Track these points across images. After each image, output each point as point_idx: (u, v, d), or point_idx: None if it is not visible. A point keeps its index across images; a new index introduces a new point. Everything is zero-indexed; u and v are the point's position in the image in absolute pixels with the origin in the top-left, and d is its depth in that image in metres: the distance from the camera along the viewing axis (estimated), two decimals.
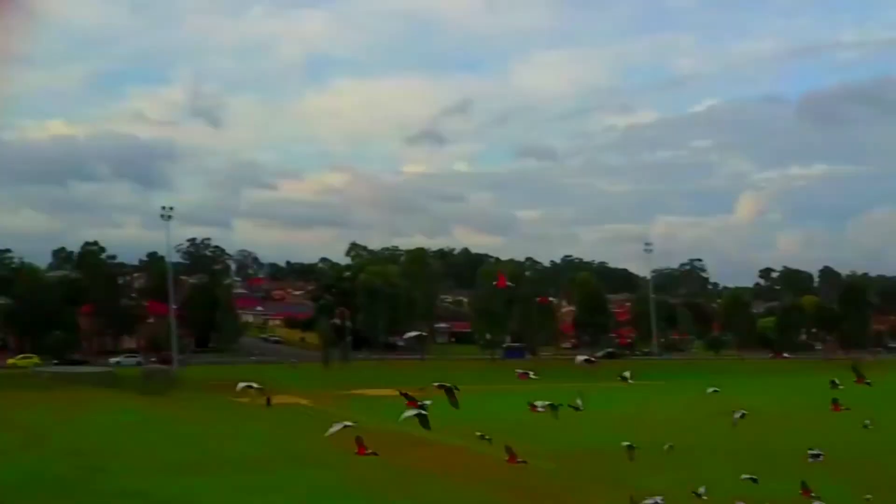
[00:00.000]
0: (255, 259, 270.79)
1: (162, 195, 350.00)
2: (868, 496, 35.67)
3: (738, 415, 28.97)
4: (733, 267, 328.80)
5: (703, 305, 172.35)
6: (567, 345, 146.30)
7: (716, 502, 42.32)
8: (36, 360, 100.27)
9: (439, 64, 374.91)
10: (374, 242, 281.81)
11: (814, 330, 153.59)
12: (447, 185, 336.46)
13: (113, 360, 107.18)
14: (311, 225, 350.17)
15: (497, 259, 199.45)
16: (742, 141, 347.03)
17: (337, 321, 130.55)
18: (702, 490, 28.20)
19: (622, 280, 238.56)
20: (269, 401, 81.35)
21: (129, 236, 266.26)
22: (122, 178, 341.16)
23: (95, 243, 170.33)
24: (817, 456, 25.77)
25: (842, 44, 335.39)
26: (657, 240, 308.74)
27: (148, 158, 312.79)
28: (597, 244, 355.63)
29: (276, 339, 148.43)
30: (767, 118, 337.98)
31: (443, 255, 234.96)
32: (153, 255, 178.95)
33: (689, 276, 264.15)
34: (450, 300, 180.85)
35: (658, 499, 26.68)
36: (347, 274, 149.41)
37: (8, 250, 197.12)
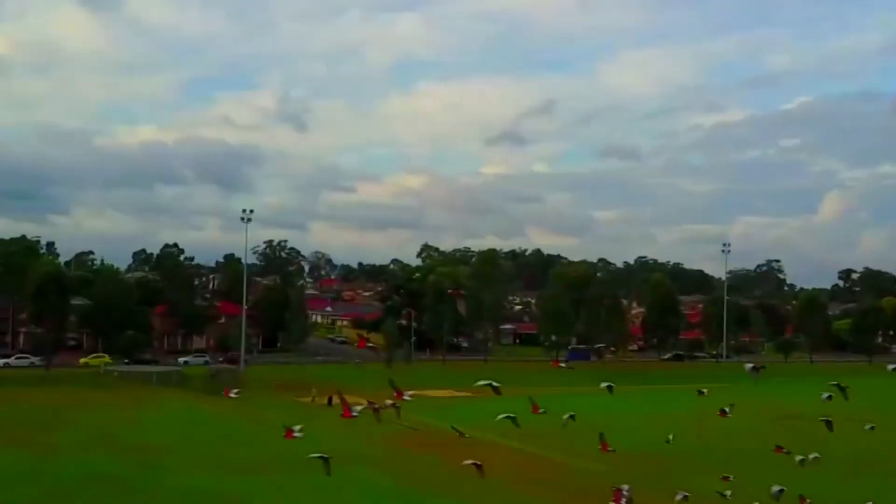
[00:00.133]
0: (329, 260, 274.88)
1: (243, 198, 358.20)
2: None
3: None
4: (812, 268, 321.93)
5: (777, 307, 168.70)
6: (633, 347, 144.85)
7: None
8: (107, 359, 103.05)
9: (525, 64, 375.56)
10: (447, 244, 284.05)
11: (891, 332, 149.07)
12: (525, 186, 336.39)
13: (181, 359, 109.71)
14: (386, 227, 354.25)
15: (569, 260, 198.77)
16: (833, 139, 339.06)
17: (403, 322, 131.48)
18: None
19: (697, 281, 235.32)
20: (330, 401, 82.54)
21: (208, 239, 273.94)
22: (206, 181, 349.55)
23: (175, 245, 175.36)
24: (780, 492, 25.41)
25: None
26: (736, 240, 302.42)
27: (233, 163, 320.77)
28: (673, 245, 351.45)
29: (343, 339, 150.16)
30: (861, 115, 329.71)
31: (514, 256, 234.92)
32: (229, 257, 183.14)
33: (766, 277, 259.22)
34: (518, 301, 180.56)
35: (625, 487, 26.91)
36: (417, 275, 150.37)
37: (90, 252, 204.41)
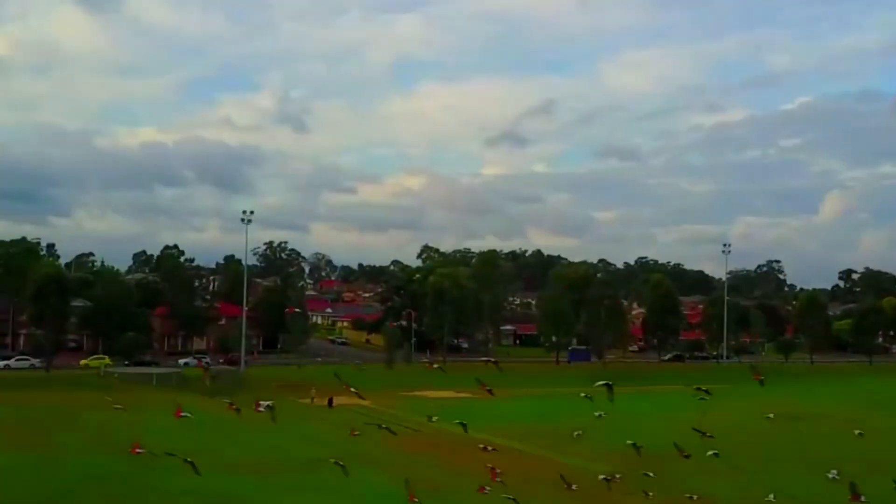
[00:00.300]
0: (329, 261, 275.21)
1: (243, 199, 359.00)
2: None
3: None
4: (812, 268, 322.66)
5: (778, 307, 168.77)
6: (634, 347, 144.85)
7: None
8: (107, 360, 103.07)
9: (525, 65, 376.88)
10: (447, 245, 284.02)
11: (892, 332, 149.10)
12: (525, 186, 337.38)
13: (181, 361, 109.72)
14: (386, 228, 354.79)
15: (569, 261, 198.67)
16: (833, 139, 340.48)
17: (403, 323, 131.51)
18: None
19: (697, 282, 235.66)
20: (330, 402, 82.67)
21: (208, 240, 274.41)
22: (206, 182, 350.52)
23: (175, 247, 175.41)
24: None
25: None
26: (736, 241, 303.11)
27: (233, 163, 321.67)
28: (673, 245, 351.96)
29: (343, 340, 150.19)
30: (861, 115, 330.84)
31: (514, 256, 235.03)
32: (230, 259, 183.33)
33: (766, 278, 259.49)
34: (518, 302, 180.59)
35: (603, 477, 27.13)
36: (417, 276, 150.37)
37: (90, 253, 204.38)
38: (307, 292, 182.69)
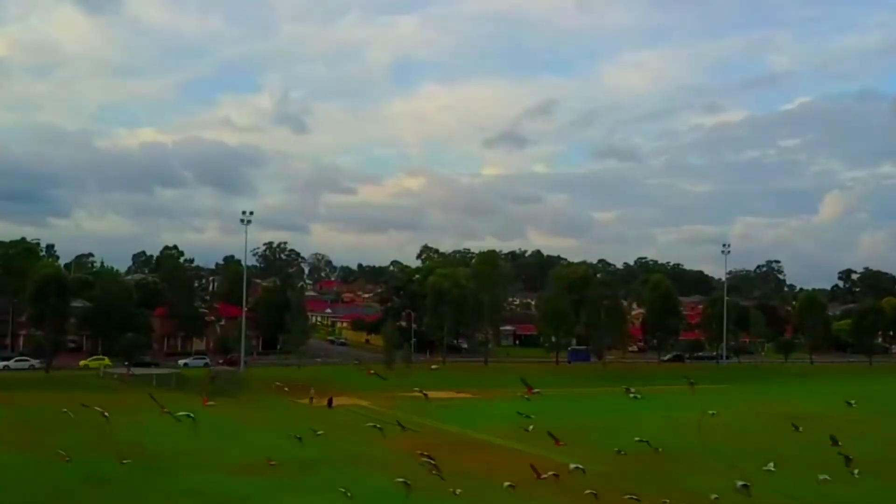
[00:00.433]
0: (329, 262, 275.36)
1: (243, 200, 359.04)
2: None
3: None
4: (812, 269, 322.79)
5: (777, 307, 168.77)
6: (634, 348, 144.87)
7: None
8: (107, 361, 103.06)
9: (525, 65, 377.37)
10: (447, 245, 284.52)
11: (891, 333, 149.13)
12: (524, 186, 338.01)
13: (181, 361, 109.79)
14: (386, 228, 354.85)
15: (568, 261, 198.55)
16: (833, 139, 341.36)
17: (403, 323, 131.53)
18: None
19: (697, 282, 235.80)
20: (330, 402, 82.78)
21: (208, 240, 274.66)
22: (206, 183, 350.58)
23: (175, 247, 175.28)
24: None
25: None
26: (735, 241, 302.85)
27: (232, 164, 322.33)
28: (673, 246, 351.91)
29: (342, 341, 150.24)
30: (861, 115, 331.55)
31: (514, 257, 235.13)
32: (229, 259, 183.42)
33: (766, 278, 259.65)
34: (517, 303, 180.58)
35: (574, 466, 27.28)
36: (417, 276, 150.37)
37: (90, 254, 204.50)
38: (307, 293, 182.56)
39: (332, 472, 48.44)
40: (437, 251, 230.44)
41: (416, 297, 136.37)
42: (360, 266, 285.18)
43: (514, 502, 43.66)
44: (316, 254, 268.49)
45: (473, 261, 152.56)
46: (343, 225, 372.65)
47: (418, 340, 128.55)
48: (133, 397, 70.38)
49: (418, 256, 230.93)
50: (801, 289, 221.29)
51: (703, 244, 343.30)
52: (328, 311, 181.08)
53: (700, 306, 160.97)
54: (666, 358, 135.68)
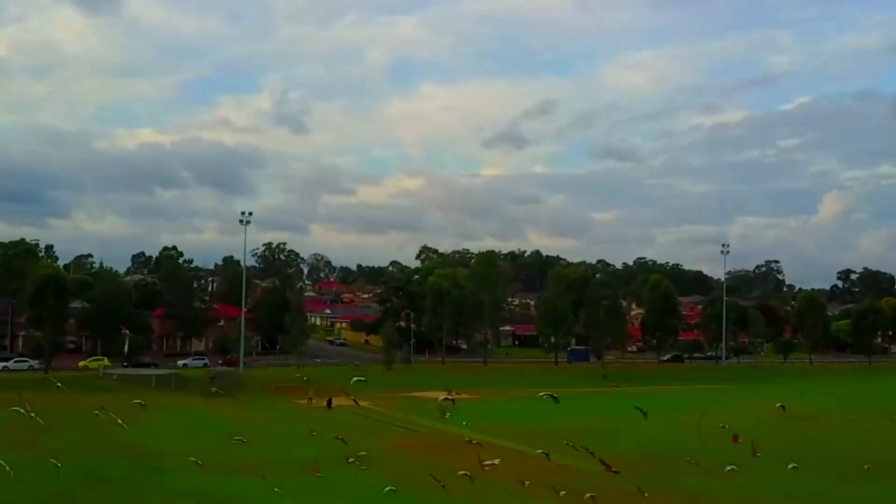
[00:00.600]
0: (328, 263, 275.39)
1: (242, 201, 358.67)
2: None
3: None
4: (811, 269, 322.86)
5: (777, 307, 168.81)
6: (633, 348, 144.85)
7: None
8: (106, 362, 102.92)
9: (524, 66, 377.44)
10: (446, 245, 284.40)
11: (891, 332, 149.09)
12: (524, 186, 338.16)
13: (180, 362, 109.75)
14: (385, 229, 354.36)
15: (568, 262, 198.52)
16: (831, 139, 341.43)
17: (402, 324, 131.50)
18: None
19: (696, 282, 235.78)
20: (329, 403, 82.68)
21: (207, 241, 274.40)
22: (205, 184, 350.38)
23: (174, 248, 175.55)
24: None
25: None
26: (735, 241, 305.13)
27: (232, 165, 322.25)
28: (672, 246, 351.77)
29: (342, 341, 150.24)
30: (860, 115, 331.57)
31: (513, 257, 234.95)
32: (228, 260, 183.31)
33: (765, 278, 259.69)
34: (517, 303, 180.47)
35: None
36: (416, 277, 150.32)
37: (89, 255, 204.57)
38: (306, 293, 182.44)
39: (331, 473, 48.38)
40: (436, 251, 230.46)
41: (415, 298, 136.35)
42: (359, 266, 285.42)
43: (515, 503, 43.67)
44: (315, 254, 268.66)
45: (473, 261, 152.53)
46: (342, 225, 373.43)
47: (417, 341, 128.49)
48: (132, 398, 70.32)
49: (417, 257, 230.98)
50: (800, 289, 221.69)
51: (703, 244, 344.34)
52: (327, 311, 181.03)
53: (699, 306, 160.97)
54: (665, 358, 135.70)
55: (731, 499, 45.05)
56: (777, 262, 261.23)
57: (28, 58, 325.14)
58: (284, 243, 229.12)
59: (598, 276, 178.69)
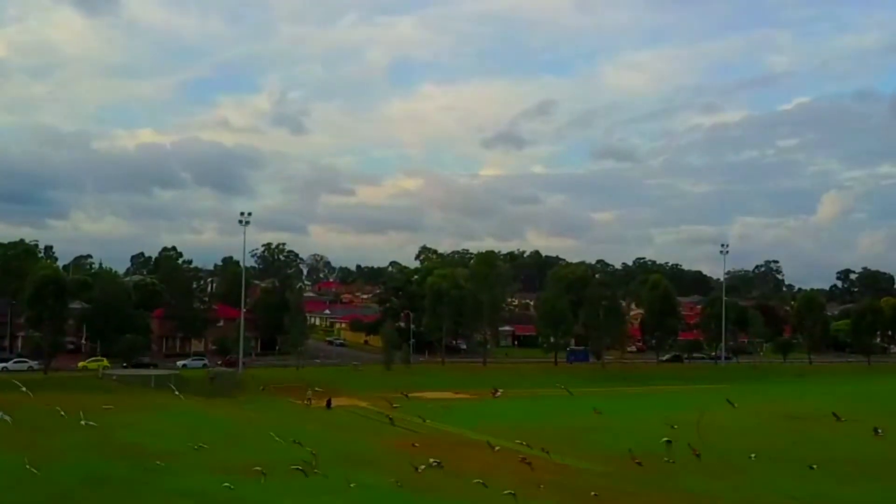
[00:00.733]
0: (327, 263, 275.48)
1: (241, 201, 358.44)
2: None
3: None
4: (810, 269, 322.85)
5: (776, 307, 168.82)
6: (632, 348, 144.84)
7: None
8: (105, 362, 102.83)
9: (523, 66, 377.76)
10: (445, 246, 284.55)
11: (890, 332, 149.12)
12: (523, 187, 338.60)
13: (180, 362, 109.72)
14: (385, 229, 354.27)
15: (567, 262, 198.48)
16: (830, 139, 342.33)
17: (401, 324, 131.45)
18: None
19: (695, 282, 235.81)
20: (329, 403, 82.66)
21: (206, 242, 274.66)
22: (204, 184, 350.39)
23: (173, 248, 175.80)
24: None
25: None
26: (734, 241, 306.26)
27: (231, 165, 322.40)
28: (671, 246, 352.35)
29: (341, 342, 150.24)
30: (859, 115, 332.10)
31: (512, 257, 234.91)
32: (228, 260, 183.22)
33: (764, 278, 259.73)
34: (516, 303, 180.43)
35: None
36: (416, 277, 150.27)
37: (88, 255, 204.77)
38: (305, 294, 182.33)
39: (331, 473, 48.28)
40: (435, 252, 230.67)
41: (414, 298, 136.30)
42: (358, 267, 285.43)
43: (516, 501, 43.58)
44: (314, 255, 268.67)
45: (472, 261, 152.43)
46: (342, 226, 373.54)
47: (417, 341, 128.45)
48: (131, 399, 70.38)
49: (417, 257, 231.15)
50: (799, 289, 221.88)
51: (702, 244, 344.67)
52: (327, 311, 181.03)
53: (699, 306, 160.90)
54: (664, 358, 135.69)
55: (731, 499, 45.10)
56: (776, 262, 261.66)
57: (27, 58, 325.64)
58: (284, 244, 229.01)
59: (597, 276, 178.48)
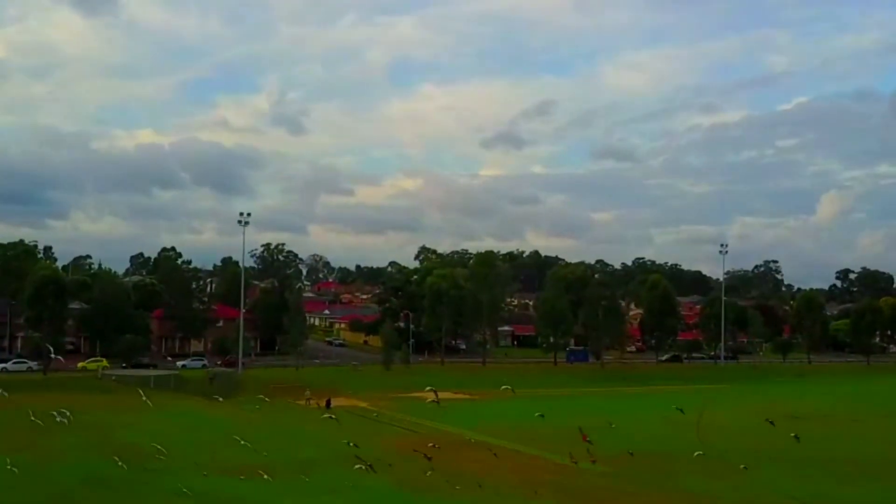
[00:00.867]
0: (327, 263, 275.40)
1: (241, 201, 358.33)
2: None
3: None
4: (810, 269, 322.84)
5: (775, 307, 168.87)
6: (632, 348, 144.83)
7: None
8: (104, 363, 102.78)
9: (523, 66, 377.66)
10: (445, 246, 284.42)
11: (889, 332, 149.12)
12: (522, 187, 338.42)
13: (179, 363, 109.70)
14: (384, 229, 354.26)
15: (566, 262, 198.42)
16: (830, 139, 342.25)
17: (401, 324, 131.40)
18: None
19: (694, 282, 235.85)
20: (328, 403, 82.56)
21: (206, 242, 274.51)
22: (203, 185, 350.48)
23: (172, 249, 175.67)
24: None
25: None
26: (733, 241, 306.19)
27: (230, 166, 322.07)
28: (671, 246, 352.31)
29: (340, 342, 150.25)
30: (858, 115, 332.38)
31: (512, 257, 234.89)
32: (227, 260, 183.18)
33: (764, 278, 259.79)
34: (515, 303, 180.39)
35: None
36: (415, 277, 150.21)
37: (87, 256, 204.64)
38: (305, 294, 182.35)
39: (331, 474, 48.35)
40: (435, 252, 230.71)
41: (414, 298, 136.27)
42: (358, 267, 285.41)
43: (515, 501, 43.68)
44: (314, 255, 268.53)
45: (471, 261, 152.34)
46: (341, 226, 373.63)
47: (416, 341, 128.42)
48: (130, 399, 70.21)
49: (416, 257, 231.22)
50: (798, 289, 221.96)
51: (701, 244, 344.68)
52: (326, 312, 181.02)
53: (698, 306, 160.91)
54: (664, 358, 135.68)
55: (731, 498, 45.06)
56: (776, 262, 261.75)
57: (27, 58, 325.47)
58: (283, 244, 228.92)
59: (596, 276, 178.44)
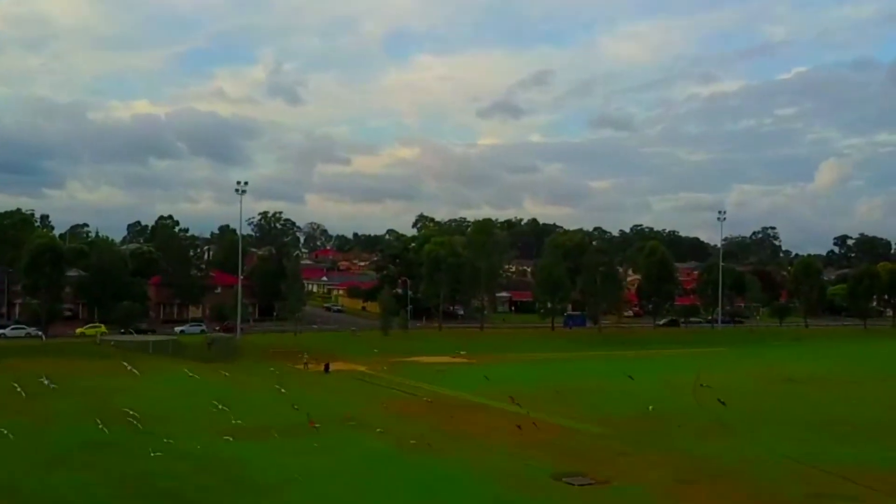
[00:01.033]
0: (324, 231, 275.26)
1: (238, 171, 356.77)
2: None
3: None
4: (808, 235, 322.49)
5: (773, 272, 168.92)
6: (629, 313, 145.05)
7: (768, 467, 41.99)
8: (103, 329, 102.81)
9: (521, 36, 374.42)
10: (442, 214, 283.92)
11: (886, 297, 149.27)
12: (520, 156, 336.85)
13: (178, 328, 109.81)
14: (381, 198, 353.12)
15: (564, 229, 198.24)
16: (829, 108, 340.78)
17: (399, 291, 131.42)
18: None
19: (692, 248, 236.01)
20: (327, 367, 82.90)
21: (203, 210, 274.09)
22: (200, 154, 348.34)
23: (170, 217, 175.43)
24: None
25: None
26: (731, 208, 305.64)
27: (227, 135, 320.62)
28: (669, 213, 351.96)
29: (339, 308, 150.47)
30: (857, 84, 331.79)
31: (510, 225, 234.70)
32: (224, 228, 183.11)
33: (761, 244, 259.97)
34: (513, 270, 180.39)
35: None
36: (413, 245, 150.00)
37: (85, 224, 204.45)
38: (302, 261, 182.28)
39: (329, 436, 48.57)
40: (432, 220, 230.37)
41: (412, 266, 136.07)
42: (355, 235, 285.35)
43: (512, 461, 43.85)
44: (311, 223, 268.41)
45: (469, 229, 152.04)
46: (338, 195, 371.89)
47: (414, 307, 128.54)
48: (130, 363, 70.34)
49: (414, 225, 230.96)
50: (796, 255, 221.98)
51: (699, 212, 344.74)
52: (324, 279, 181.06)
53: (696, 272, 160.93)
54: (661, 323, 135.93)
55: (728, 458, 45.27)
56: (773, 228, 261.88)
57: (22, 30, 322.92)
58: (280, 212, 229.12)
59: (594, 243, 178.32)
